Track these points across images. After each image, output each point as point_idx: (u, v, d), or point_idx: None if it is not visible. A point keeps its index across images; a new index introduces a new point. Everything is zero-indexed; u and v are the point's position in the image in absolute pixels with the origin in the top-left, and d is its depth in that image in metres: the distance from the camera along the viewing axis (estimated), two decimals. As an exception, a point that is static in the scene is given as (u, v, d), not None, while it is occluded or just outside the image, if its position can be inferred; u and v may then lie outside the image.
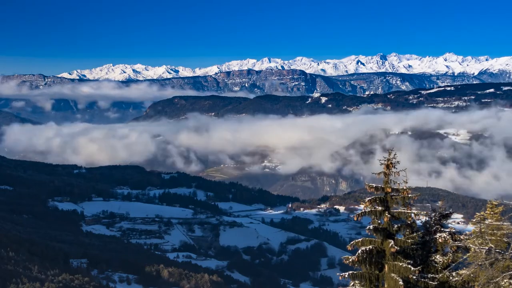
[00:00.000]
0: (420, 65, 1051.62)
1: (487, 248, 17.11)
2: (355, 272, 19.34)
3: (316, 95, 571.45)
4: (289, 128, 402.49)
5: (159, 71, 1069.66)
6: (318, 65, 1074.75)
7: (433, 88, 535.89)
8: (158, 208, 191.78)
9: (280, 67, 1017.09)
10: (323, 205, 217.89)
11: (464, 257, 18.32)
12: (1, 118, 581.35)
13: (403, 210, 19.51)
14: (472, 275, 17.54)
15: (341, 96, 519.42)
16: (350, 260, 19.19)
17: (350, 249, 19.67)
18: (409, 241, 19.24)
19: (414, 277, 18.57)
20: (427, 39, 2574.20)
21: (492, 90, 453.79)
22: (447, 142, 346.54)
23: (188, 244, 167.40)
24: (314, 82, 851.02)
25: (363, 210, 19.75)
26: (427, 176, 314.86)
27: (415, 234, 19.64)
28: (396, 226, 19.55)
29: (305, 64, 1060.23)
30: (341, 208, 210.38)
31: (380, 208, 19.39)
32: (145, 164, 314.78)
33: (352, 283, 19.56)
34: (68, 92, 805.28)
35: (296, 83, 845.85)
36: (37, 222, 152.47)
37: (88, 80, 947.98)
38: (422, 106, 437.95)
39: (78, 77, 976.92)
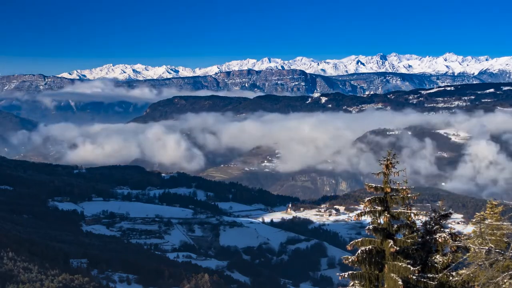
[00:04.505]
0: (420, 65, 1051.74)
1: (487, 248, 17.09)
2: (354, 272, 19.32)
3: (316, 95, 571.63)
4: (289, 128, 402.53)
5: (159, 71, 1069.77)
6: (318, 65, 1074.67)
7: (433, 88, 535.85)
8: (158, 208, 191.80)
9: (280, 67, 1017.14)
10: (323, 205, 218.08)
11: (464, 257, 18.30)
12: (1, 118, 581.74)
13: (402, 210, 19.50)
14: (472, 275, 17.52)
15: (341, 96, 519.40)
16: (350, 260, 19.16)
17: (349, 249, 19.64)
18: (409, 241, 19.22)
19: (414, 277, 18.55)
20: (427, 39, 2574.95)
21: (492, 90, 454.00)
22: (447, 142, 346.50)
23: (188, 244, 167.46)
24: (314, 82, 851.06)
25: (362, 210, 19.73)
26: (427, 176, 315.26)
27: (414, 234, 19.63)
28: (395, 226, 19.53)
29: (305, 64, 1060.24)
30: (341, 208, 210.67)
31: (379, 208, 19.37)
32: (145, 164, 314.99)
33: (352, 283, 19.54)
34: (68, 92, 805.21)
35: (296, 83, 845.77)
36: (37, 222, 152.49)
37: (88, 80, 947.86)
38: (422, 106, 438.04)
39: (78, 77, 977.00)
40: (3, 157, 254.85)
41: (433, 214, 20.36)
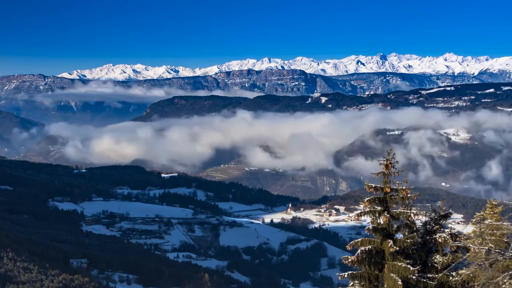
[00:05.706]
0: (420, 65, 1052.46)
1: (487, 248, 17.07)
2: (354, 272, 19.30)
3: (316, 95, 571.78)
4: (289, 128, 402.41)
5: (159, 71, 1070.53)
6: (318, 65, 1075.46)
7: (433, 88, 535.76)
8: (158, 208, 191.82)
9: (280, 67, 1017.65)
10: (323, 205, 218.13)
11: (464, 257, 18.27)
12: (1, 118, 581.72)
13: (402, 210, 19.48)
14: (472, 275, 17.50)
15: (341, 96, 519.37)
16: (350, 260, 19.14)
17: (349, 249, 19.63)
18: (409, 241, 19.20)
19: (414, 277, 18.52)
20: (427, 39, 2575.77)
21: (492, 90, 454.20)
22: (447, 142, 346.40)
23: (188, 244, 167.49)
24: (314, 82, 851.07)
25: (362, 210, 19.71)
26: (427, 176, 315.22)
27: (414, 234, 19.60)
28: (395, 226, 19.51)
29: (305, 64, 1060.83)
30: (341, 208, 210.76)
31: (379, 208, 19.35)
32: (145, 164, 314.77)
33: (352, 283, 19.52)
34: (68, 92, 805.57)
35: (296, 83, 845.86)
36: (37, 222, 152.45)
37: (88, 80, 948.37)
38: (422, 106, 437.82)
39: (78, 77, 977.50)
40: (3, 157, 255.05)
41: (433, 214, 20.33)
